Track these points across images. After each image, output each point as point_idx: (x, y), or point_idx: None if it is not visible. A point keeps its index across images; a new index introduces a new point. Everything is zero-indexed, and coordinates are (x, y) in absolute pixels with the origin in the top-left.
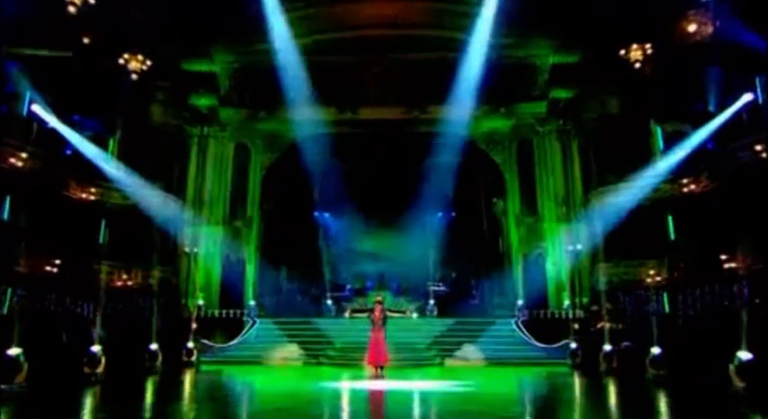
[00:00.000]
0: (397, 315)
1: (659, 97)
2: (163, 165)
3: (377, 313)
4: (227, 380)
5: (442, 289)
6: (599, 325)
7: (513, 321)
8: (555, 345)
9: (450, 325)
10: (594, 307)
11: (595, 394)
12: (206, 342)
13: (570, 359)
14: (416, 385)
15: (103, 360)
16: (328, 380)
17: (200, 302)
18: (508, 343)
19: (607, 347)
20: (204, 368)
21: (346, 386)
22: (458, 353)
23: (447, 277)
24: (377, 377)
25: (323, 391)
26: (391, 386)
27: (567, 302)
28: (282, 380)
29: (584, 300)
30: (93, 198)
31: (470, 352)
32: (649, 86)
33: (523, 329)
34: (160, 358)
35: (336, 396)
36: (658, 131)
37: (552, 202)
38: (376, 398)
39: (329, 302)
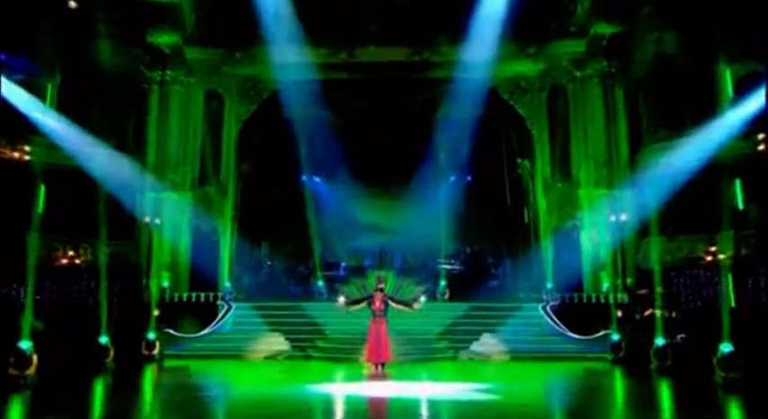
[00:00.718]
0: (403, 308)
1: (730, 31)
2: (115, 118)
3: (377, 302)
4: (192, 381)
5: (455, 267)
6: (647, 313)
7: (540, 307)
8: (592, 336)
9: (466, 312)
10: (642, 291)
11: (660, 405)
12: (171, 331)
13: (611, 353)
14: (425, 389)
15: (35, 358)
16: (317, 382)
17: (165, 284)
18: (535, 334)
19: (659, 340)
20: (169, 363)
21: (339, 390)
22: (474, 346)
23: (461, 253)
24: (377, 376)
25: (309, 399)
26: (394, 391)
27: (606, 284)
28: (261, 381)
29: (629, 282)
30: (27, 158)
31: (489, 344)
32: (718, 18)
33: (553, 317)
34: (112, 353)
35: (326, 407)
36: (727, 75)
37: (591, 163)
38: (375, 412)
39: (320, 283)
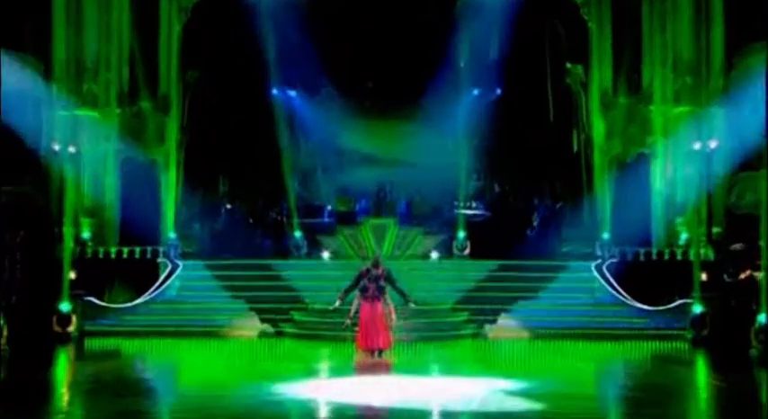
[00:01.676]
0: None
1: None
2: (6, 7)
3: (370, 287)
4: (110, 377)
5: (478, 213)
6: (744, 276)
7: (593, 266)
8: (664, 307)
9: (492, 273)
10: (736, 246)
11: None
12: (94, 300)
13: (691, 330)
14: (436, 390)
15: None
16: (287, 377)
17: (85, 235)
18: (586, 303)
19: (762, 316)
20: (92, 344)
21: (318, 393)
22: (504, 320)
23: (487, 194)
24: (372, 367)
25: (272, 411)
26: (393, 395)
27: (685, 236)
28: (209, 375)
29: (716, 233)
30: None
31: (524, 316)
32: None
33: (611, 280)
34: (5, 332)
35: None
36: None
37: (669, 72)
38: None
39: (297, 235)
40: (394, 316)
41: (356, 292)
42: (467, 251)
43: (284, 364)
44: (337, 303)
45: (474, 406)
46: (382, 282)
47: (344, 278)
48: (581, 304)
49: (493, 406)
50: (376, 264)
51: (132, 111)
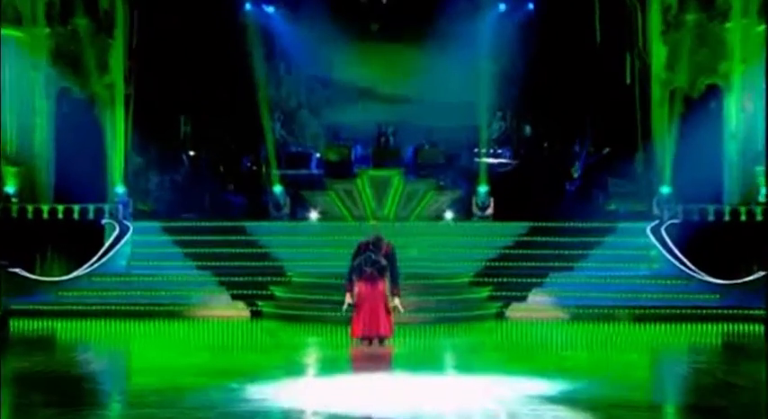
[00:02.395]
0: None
1: None
2: None
3: (366, 269)
4: (40, 372)
5: (504, 162)
6: None
7: (649, 228)
8: (738, 281)
9: (521, 237)
10: None
11: None
12: (20, 272)
13: None
14: (451, 397)
15: None
16: (266, 374)
17: (10, 189)
18: (639, 276)
19: None
20: (19, 327)
21: (302, 397)
22: (535, 296)
23: (515, 138)
24: (371, 360)
25: None
26: (402, 401)
27: (765, 190)
28: (165, 372)
29: None
30: None
31: (559, 293)
32: None
33: (672, 246)
34: None
35: None
36: None
37: None
38: None
39: (277, 190)
40: (397, 300)
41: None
42: (489, 210)
43: (260, 357)
44: (348, 299)
45: None
46: (384, 262)
47: (336, 244)
48: (633, 277)
49: None
50: (377, 242)
51: (66, 32)
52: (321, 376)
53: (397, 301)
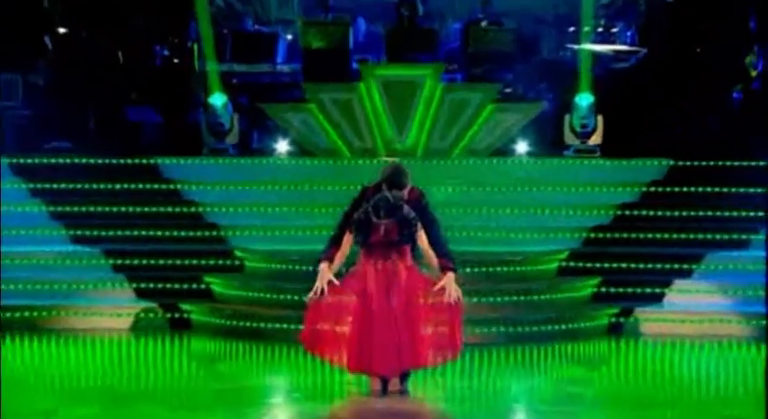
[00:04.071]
0: (432, 260)
1: None
2: None
3: (381, 227)
4: None
5: (625, 50)
6: None
7: None
8: None
9: (652, 187)
10: None
11: None
12: None
13: None
14: None
15: None
16: None
17: None
18: None
19: None
20: None
21: None
22: (680, 295)
23: (641, 10)
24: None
25: None
26: None
27: None
28: None
29: None
30: None
31: (726, 291)
32: None
33: None
34: None
35: None
36: None
37: None
38: None
39: (218, 101)
40: (452, 289)
41: (346, 240)
42: (595, 138)
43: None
44: (322, 267)
45: None
46: (412, 217)
47: (322, 202)
48: None
49: None
50: (396, 177)
51: None
52: None
53: (450, 279)
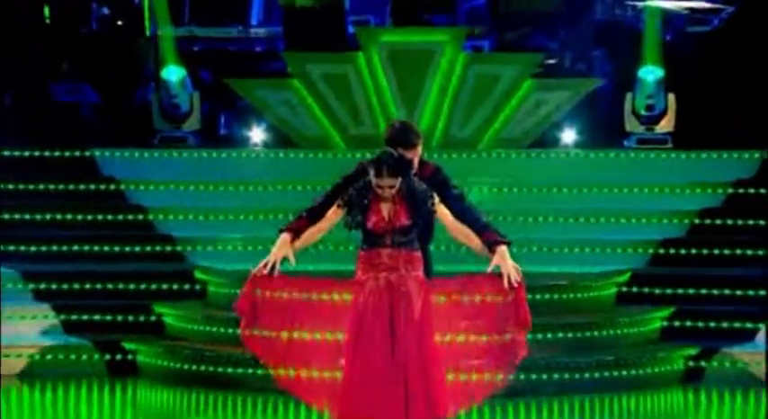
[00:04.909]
0: (465, 240)
1: None
2: None
3: (383, 212)
4: None
5: (704, 7)
6: None
7: None
8: None
9: (739, 189)
10: None
11: None
12: None
13: None
14: None
15: None
16: None
17: None
18: None
19: None
20: None
21: None
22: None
23: None
24: None
25: None
26: None
27: None
28: None
29: None
30: None
31: None
32: None
33: None
34: None
35: None
36: None
37: None
38: None
39: (173, 75)
40: (510, 267)
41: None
42: (665, 124)
43: None
44: (282, 238)
45: None
46: (423, 188)
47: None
48: None
49: None
50: (401, 134)
51: None
52: None
53: (504, 255)
